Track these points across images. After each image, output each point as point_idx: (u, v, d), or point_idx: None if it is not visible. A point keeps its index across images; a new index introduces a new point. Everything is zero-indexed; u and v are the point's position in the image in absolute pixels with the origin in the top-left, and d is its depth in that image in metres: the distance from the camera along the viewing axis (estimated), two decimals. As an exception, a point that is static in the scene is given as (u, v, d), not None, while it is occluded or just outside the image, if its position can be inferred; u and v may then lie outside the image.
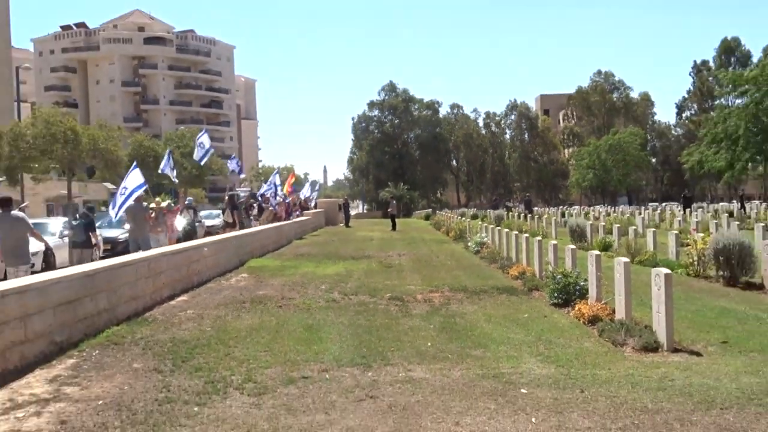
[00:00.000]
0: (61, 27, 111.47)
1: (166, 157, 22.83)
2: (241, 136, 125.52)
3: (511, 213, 45.60)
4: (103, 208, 32.64)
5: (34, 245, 12.10)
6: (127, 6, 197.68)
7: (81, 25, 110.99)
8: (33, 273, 10.67)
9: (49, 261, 13.69)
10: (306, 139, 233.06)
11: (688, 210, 42.96)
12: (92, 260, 13.09)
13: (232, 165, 30.59)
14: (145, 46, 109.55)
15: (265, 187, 32.96)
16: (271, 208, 30.78)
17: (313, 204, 45.51)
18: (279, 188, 34.33)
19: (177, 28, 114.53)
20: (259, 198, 30.94)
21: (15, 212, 11.33)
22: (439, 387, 6.08)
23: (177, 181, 18.62)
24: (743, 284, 12.19)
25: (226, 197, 26.60)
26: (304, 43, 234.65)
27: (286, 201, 34.76)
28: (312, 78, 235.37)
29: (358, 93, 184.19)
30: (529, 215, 40.86)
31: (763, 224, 20.24)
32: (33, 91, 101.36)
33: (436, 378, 6.41)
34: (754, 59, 63.86)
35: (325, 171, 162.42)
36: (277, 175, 36.89)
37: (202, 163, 23.18)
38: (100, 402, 5.71)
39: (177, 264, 12.70)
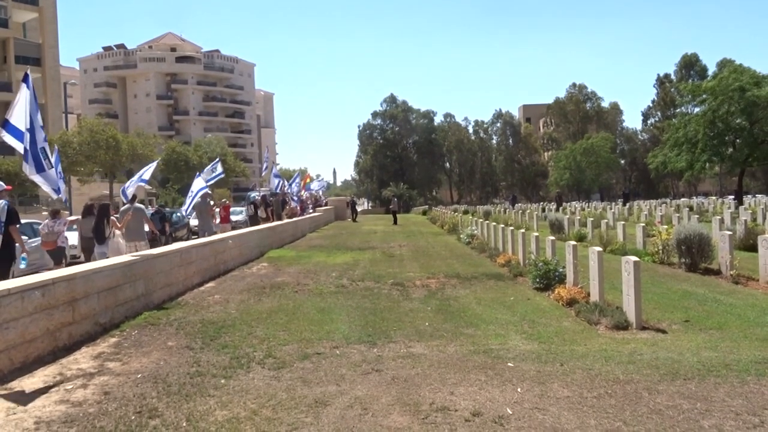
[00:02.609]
0: (103, 48, 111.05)
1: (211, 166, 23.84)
2: (261, 142, 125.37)
3: (563, 207, 44.79)
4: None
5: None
6: (160, 29, 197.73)
7: (120, 46, 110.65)
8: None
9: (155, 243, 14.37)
10: (318, 145, 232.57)
11: (627, 204, 43.19)
12: (163, 244, 14.37)
13: (274, 182, 30.46)
14: (176, 64, 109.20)
15: (286, 184, 32.97)
16: (293, 204, 30.92)
17: (324, 202, 45.59)
18: (297, 186, 34.46)
19: (204, 48, 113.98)
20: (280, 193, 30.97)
21: (137, 204, 13.38)
22: (436, 361, 6.06)
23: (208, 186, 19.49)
24: (702, 270, 12.12)
25: (259, 197, 27.35)
26: (315, 60, 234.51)
27: (301, 199, 34.85)
28: (322, 91, 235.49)
29: (363, 103, 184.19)
30: (560, 209, 40.99)
31: (719, 217, 20.16)
32: (79, 104, 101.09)
33: (434, 353, 6.39)
34: (710, 73, 63.60)
35: (334, 172, 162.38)
36: (298, 177, 37.39)
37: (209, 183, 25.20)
38: (139, 375, 5.70)
39: (205, 255, 12.68)
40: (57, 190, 8.81)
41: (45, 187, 8.71)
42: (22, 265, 9.58)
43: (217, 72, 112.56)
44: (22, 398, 5.10)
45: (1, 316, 5.71)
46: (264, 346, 6.77)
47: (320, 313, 8.73)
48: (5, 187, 9.14)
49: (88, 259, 12.24)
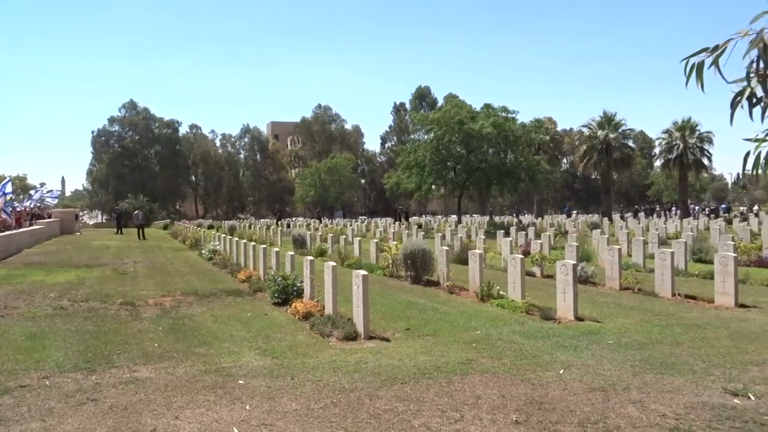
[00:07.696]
0: None
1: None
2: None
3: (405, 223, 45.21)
4: None
5: None
6: None
7: None
8: None
9: None
10: (43, 149, 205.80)
11: (405, 222, 47.10)
12: None
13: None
14: None
15: None
16: (4, 216, 26.92)
17: (48, 213, 40.65)
18: (7, 197, 30.01)
19: None
20: None
21: None
22: (162, 385, 5.73)
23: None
24: (425, 282, 13.37)
25: None
26: (41, 55, 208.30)
27: (17, 209, 30.59)
28: (51, 90, 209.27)
29: (98, 107, 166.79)
30: (405, 223, 42.91)
31: (441, 234, 22.57)
32: None
33: (161, 376, 6.03)
34: (440, 104, 71.22)
35: (63, 181, 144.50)
36: (9, 184, 32.30)
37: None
38: None
39: None
40: None
41: None
42: None
43: None
44: None
45: None
46: (-50, 382, 5.74)
47: (30, 339, 7.71)
48: None
49: None
